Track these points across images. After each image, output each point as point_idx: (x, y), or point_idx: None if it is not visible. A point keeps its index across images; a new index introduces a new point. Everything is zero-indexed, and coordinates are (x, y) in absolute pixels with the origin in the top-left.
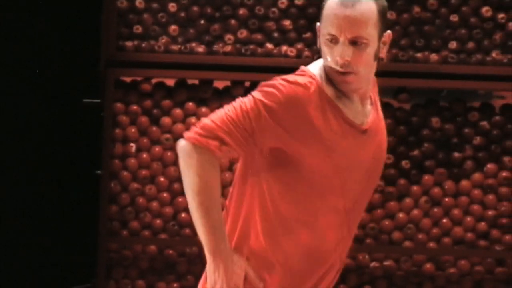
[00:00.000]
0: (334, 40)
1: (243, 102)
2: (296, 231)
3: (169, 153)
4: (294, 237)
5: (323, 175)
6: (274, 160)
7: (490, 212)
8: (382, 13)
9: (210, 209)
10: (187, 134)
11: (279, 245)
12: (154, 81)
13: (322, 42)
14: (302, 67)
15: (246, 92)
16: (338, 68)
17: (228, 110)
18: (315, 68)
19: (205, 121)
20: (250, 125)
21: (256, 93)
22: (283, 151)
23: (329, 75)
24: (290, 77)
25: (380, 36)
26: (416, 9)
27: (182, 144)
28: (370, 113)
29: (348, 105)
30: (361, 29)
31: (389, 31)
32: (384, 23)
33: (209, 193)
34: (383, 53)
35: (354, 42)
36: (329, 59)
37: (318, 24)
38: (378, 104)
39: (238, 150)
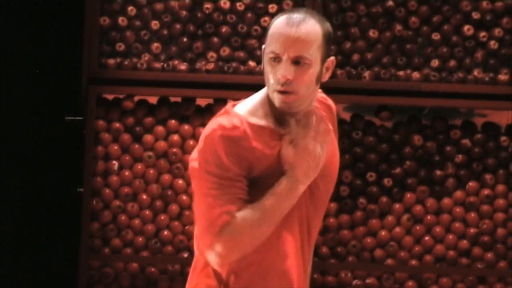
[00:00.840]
0: (277, 58)
1: (202, 186)
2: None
3: (151, 171)
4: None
5: None
6: None
7: (472, 230)
8: (326, 37)
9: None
10: (205, 247)
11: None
12: (136, 98)
13: (266, 61)
14: (227, 107)
15: None
16: (279, 87)
17: (202, 199)
18: (249, 101)
19: (202, 222)
20: (227, 181)
21: (202, 167)
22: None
23: (270, 96)
24: (214, 125)
25: (323, 60)
26: (398, 27)
27: (216, 251)
28: None
29: (286, 129)
30: (304, 49)
31: (332, 57)
32: (328, 48)
33: (269, 219)
34: (325, 78)
35: (296, 62)
36: (271, 78)
37: (263, 46)
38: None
39: (242, 194)
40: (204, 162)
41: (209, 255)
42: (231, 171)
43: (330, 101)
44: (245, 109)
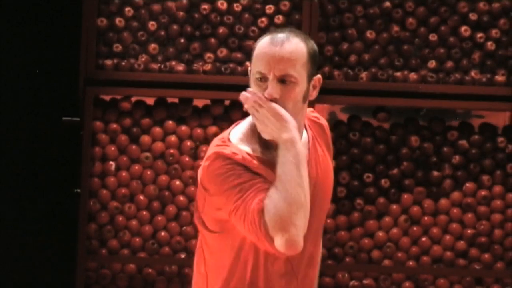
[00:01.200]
0: (263, 78)
1: (229, 205)
2: None
3: (148, 172)
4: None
5: None
6: None
7: (469, 231)
8: (312, 55)
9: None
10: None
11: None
12: (133, 99)
13: (252, 82)
14: (221, 137)
15: (226, 110)
16: None
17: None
18: (238, 129)
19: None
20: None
21: (219, 192)
22: None
23: None
24: (217, 155)
25: (310, 78)
26: (395, 28)
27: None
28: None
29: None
30: (289, 67)
31: (319, 75)
32: (314, 66)
33: (290, 182)
34: (313, 97)
35: (282, 80)
36: None
37: (249, 68)
38: (323, 148)
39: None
40: (219, 185)
41: (277, 243)
42: (243, 175)
43: (322, 120)
44: (237, 137)
